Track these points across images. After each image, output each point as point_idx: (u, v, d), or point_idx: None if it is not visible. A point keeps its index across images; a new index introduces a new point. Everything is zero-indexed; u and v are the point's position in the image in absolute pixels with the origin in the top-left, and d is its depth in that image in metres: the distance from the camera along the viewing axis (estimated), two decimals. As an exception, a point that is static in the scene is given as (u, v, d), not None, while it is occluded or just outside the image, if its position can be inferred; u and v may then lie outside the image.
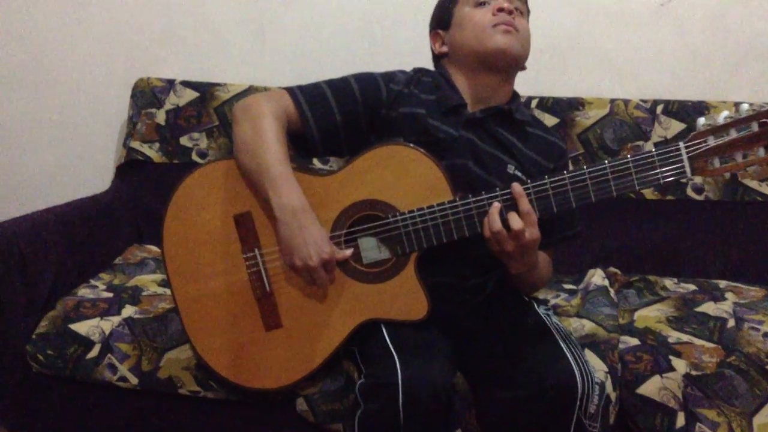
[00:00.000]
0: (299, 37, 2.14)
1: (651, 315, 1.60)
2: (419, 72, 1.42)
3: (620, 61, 2.05)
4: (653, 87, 2.03)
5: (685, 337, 1.49)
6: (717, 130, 1.13)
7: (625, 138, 1.93)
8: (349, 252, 1.26)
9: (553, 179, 1.20)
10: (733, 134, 1.13)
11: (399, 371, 1.14)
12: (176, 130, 2.07)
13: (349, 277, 1.27)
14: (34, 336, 1.49)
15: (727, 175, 1.14)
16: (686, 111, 1.92)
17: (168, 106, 2.08)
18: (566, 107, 1.97)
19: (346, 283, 1.27)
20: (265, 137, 1.25)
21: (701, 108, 1.92)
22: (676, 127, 1.91)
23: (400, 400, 1.12)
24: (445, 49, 1.41)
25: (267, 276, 1.29)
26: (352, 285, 1.27)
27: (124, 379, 1.46)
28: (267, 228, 1.29)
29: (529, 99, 1.98)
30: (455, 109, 1.35)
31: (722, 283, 1.80)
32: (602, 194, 1.19)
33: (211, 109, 2.07)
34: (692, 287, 1.78)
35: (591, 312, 1.56)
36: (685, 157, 1.15)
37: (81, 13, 2.19)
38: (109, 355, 1.47)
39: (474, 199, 1.22)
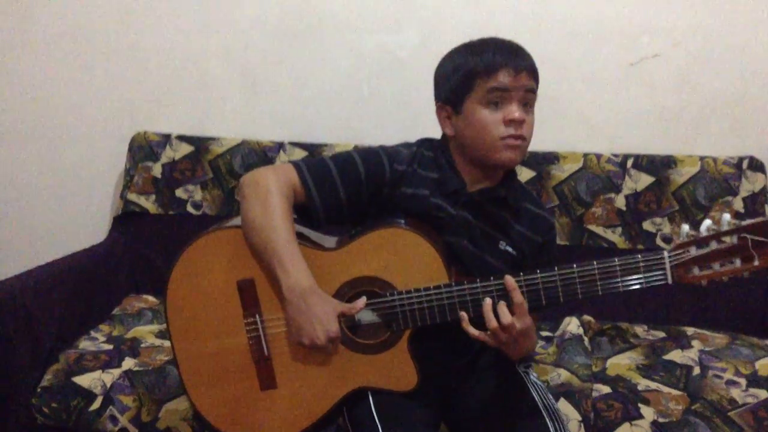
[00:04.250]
0: (290, 94, 2.24)
1: (622, 363, 1.70)
2: (422, 146, 1.43)
3: (593, 117, 2.16)
4: (624, 142, 2.13)
5: (653, 385, 1.59)
6: (699, 242, 1.19)
7: (597, 190, 2.04)
8: (360, 304, 1.30)
9: (544, 275, 1.25)
10: (714, 245, 1.18)
11: None
12: (172, 182, 2.16)
13: (345, 347, 1.34)
14: (39, 389, 1.57)
15: (704, 282, 1.20)
16: (655, 165, 2.03)
17: (164, 159, 2.17)
18: (542, 161, 2.08)
19: (342, 352, 1.34)
20: (273, 217, 1.29)
21: (669, 162, 2.03)
22: (646, 180, 2.02)
23: None
24: (451, 132, 1.39)
25: (266, 341, 1.35)
26: (348, 354, 1.34)
27: (124, 430, 1.54)
28: (269, 295, 1.34)
29: (508, 153, 2.09)
30: (455, 191, 1.38)
31: (690, 330, 1.89)
32: (589, 293, 1.25)
33: (205, 162, 2.16)
34: (661, 334, 1.88)
35: (566, 361, 1.66)
36: (668, 265, 1.21)
37: (80, 70, 2.29)
38: (110, 407, 1.54)
39: (468, 286, 1.28)
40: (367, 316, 1.34)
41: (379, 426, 1.27)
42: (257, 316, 1.35)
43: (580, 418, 1.46)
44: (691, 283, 1.21)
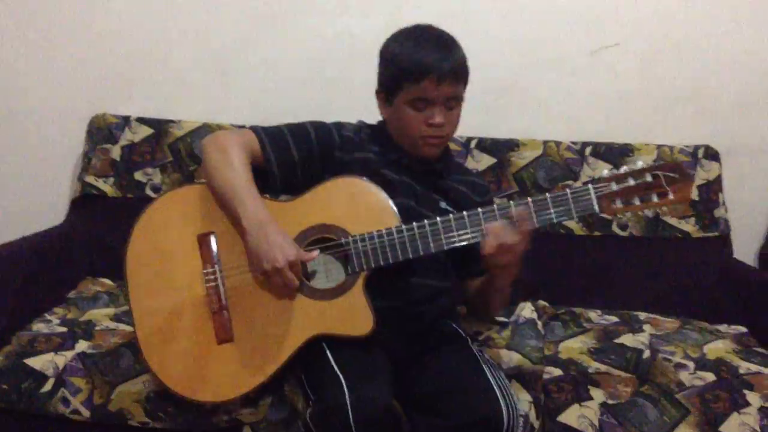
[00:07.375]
0: (255, 78, 2.23)
1: (574, 346, 1.72)
2: (362, 126, 1.59)
3: (554, 104, 2.18)
4: (585, 129, 2.15)
5: (603, 368, 1.61)
6: (618, 178, 1.35)
7: (556, 178, 2.05)
8: (314, 254, 1.37)
9: (484, 210, 1.37)
10: (631, 182, 1.35)
11: (346, 392, 1.25)
12: (131, 165, 2.14)
13: (300, 293, 1.38)
14: (-11, 371, 1.55)
15: (629, 214, 1.37)
16: (612, 153, 2.06)
17: (123, 142, 2.14)
18: (503, 148, 2.09)
19: (298, 300, 1.38)
20: (232, 161, 1.42)
21: (626, 150, 2.05)
22: (603, 167, 2.03)
23: (351, 420, 1.21)
24: (385, 116, 1.55)
25: (224, 290, 1.40)
26: (303, 301, 1.38)
27: (76, 412, 1.52)
28: (228, 246, 1.41)
29: (469, 139, 2.10)
30: (397, 160, 1.52)
31: (642, 315, 1.93)
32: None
33: (165, 146, 2.14)
34: (614, 319, 1.91)
35: (519, 344, 1.66)
36: (593, 195, 1.34)
37: (38, 50, 2.25)
38: (62, 389, 1.53)
39: (417, 224, 1.38)
40: (323, 262, 1.41)
41: (341, 378, 1.29)
42: (216, 266, 1.40)
43: (530, 399, 1.48)
44: (615, 213, 1.36)
